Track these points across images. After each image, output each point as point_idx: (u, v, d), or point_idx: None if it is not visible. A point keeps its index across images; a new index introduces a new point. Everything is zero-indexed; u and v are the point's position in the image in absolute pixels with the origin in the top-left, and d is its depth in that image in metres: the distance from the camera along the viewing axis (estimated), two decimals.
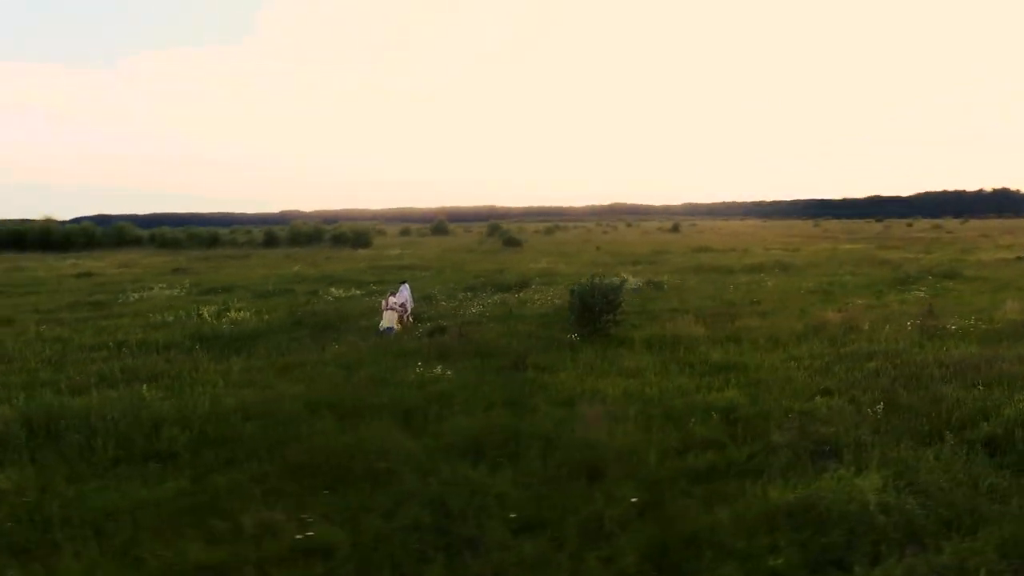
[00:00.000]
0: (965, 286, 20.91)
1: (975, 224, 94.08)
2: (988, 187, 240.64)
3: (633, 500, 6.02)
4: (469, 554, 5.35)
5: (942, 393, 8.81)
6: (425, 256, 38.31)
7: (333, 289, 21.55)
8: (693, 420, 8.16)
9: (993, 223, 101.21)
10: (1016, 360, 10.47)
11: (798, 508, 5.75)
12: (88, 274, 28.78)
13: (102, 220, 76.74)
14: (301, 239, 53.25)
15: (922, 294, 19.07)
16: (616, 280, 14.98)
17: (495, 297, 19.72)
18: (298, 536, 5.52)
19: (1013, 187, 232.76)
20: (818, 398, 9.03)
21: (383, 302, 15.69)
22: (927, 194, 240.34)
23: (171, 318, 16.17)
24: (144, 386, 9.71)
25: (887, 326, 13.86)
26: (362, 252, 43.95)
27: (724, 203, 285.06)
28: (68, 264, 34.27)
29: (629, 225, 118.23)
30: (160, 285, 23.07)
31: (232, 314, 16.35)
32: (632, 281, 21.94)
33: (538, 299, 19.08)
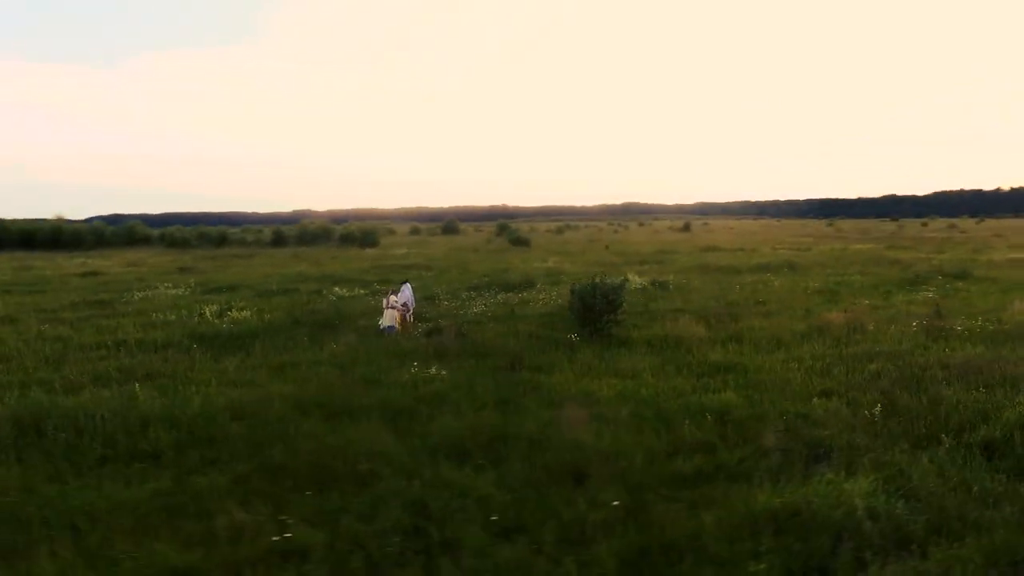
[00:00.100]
0: (975, 286, 20.61)
1: (991, 224, 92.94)
2: (1006, 186, 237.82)
3: (615, 504, 5.91)
4: (446, 558, 5.26)
5: (942, 395, 8.65)
6: (432, 255, 38.27)
7: (336, 288, 21.53)
8: (686, 422, 8.03)
9: (1009, 223, 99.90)
10: (1021, 361, 10.28)
11: (784, 513, 5.63)
12: (95, 273, 28.90)
13: (115, 219, 77.21)
14: (309, 238, 53.33)
15: (930, 294, 18.82)
16: (617, 280, 14.83)
17: (498, 297, 19.63)
18: (275, 538, 5.45)
19: None
20: (815, 400, 8.90)
21: (384, 301, 15.66)
22: (943, 193, 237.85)
23: (172, 317, 16.19)
24: (137, 385, 9.67)
25: (892, 327, 13.68)
26: (369, 251, 43.97)
27: (737, 202, 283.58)
28: (76, 263, 34.44)
29: (641, 225, 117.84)
30: (165, 284, 23.13)
31: (233, 313, 16.35)
32: (636, 281, 21.81)
33: (541, 299, 18.97)
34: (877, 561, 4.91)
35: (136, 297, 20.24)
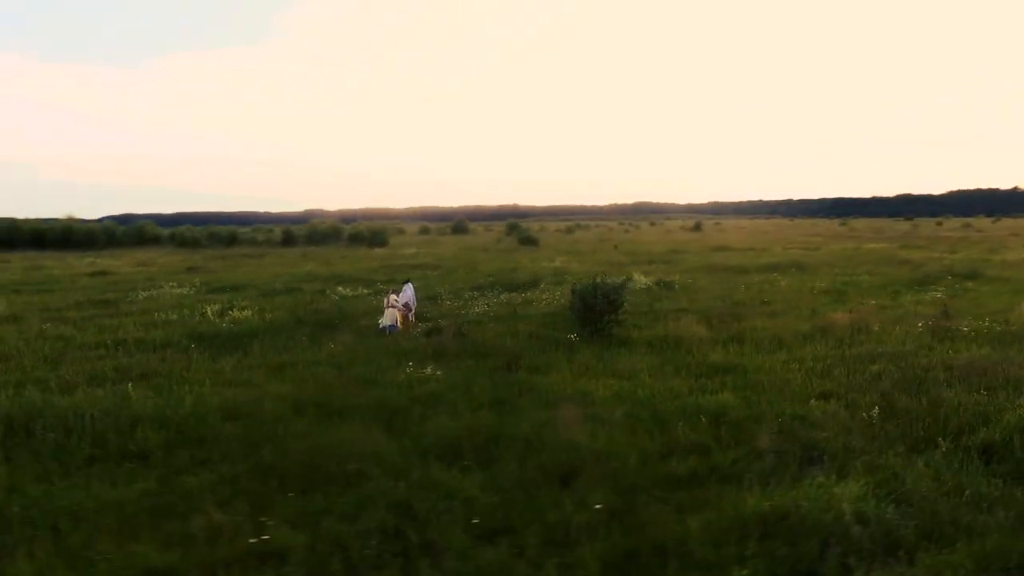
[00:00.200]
0: (985, 287, 20.35)
1: (1007, 223, 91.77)
2: (1023, 185, 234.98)
3: (600, 506, 5.82)
4: (426, 561, 5.19)
5: (942, 397, 8.50)
6: (441, 255, 38.25)
7: (341, 288, 21.52)
8: (681, 423, 7.93)
9: None
10: None
11: (773, 517, 5.52)
12: (103, 273, 29.06)
13: (127, 219, 77.75)
14: (319, 238, 53.48)
15: (939, 295, 18.59)
16: (618, 279, 14.71)
17: (502, 296, 19.57)
18: (252, 540, 5.39)
19: None
20: (813, 401, 8.77)
21: (385, 300, 15.64)
22: (959, 192, 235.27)
23: (174, 317, 16.22)
24: (130, 385, 9.66)
25: (897, 327, 13.50)
26: (377, 251, 44.02)
27: (750, 202, 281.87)
28: (86, 263, 34.65)
29: (653, 224, 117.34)
30: (171, 284, 23.20)
31: (234, 313, 16.35)
32: (642, 280, 21.67)
33: (545, 299, 18.89)
34: (862, 567, 4.80)
35: (141, 296, 20.32)
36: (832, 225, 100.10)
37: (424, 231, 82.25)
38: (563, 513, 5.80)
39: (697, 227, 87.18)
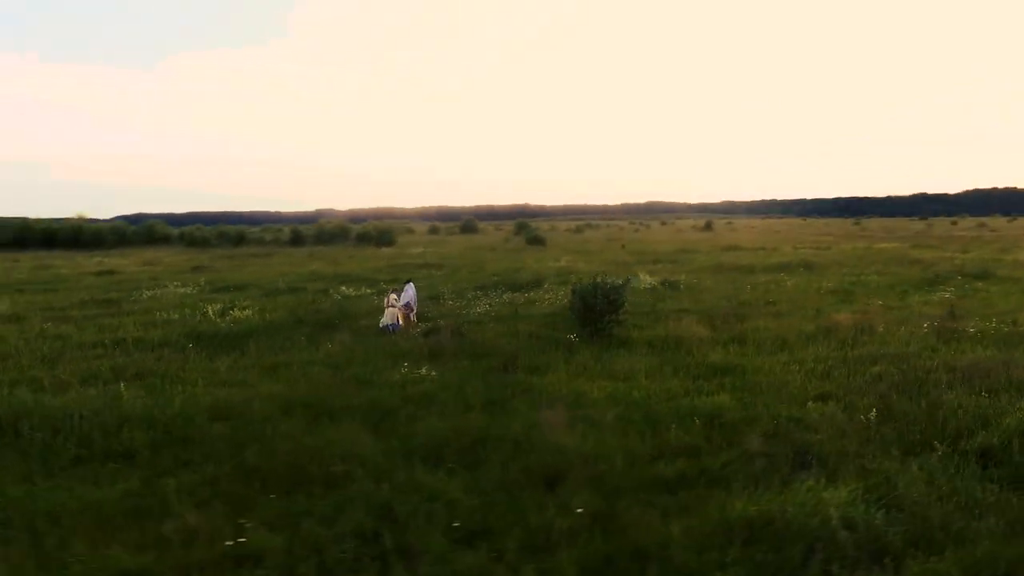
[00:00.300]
0: (995, 287, 20.06)
1: (1023, 223, 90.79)
2: None
3: (582, 510, 5.70)
4: (403, 565, 5.10)
5: (942, 400, 8.34)
6: (447, 254, 38.19)
7: (344, 287, 21.50)
8: (674, 425, 7.81)
9: None
10: None
11: (759, 521, 5.40)
12: (110, 272, 29.20)
13: (138, 219, 78.27)
14: (326, 238, 53.55)
15: (948, 295, 18.34)
16: (619, 279, 14.57)
17: (504, 296, 19.47)
18: (229, 542, 5.32)
19: None
20: (811, 403, 8.63)
21: (385, 299, 15.59)
22: (975, 191, 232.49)
23: (175, 316, 16.22)
24: (122, 385, 9.63)
25: (902, 328, 13.30)
26: (385, 251, 44.03)
27: (763, 201, 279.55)
28: (94, 262, 34.86)
29: (663, 224, 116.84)
30: (175, 283, 23.26)
31: (235, 312, 16.33)
32: (647, 280, 21.51)
33: (547, 298, 18.77)
34: (845, 574, 4.66)
35: (144, 296, 20.38)
36: (845, 224, 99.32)
37: (433, 231, 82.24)
38: (545, 517, 5.69)
39: (708, 226, 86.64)
